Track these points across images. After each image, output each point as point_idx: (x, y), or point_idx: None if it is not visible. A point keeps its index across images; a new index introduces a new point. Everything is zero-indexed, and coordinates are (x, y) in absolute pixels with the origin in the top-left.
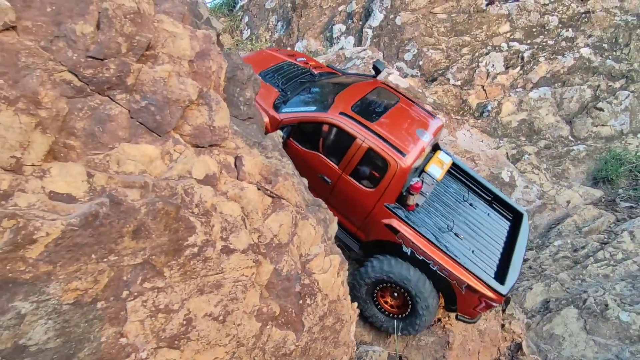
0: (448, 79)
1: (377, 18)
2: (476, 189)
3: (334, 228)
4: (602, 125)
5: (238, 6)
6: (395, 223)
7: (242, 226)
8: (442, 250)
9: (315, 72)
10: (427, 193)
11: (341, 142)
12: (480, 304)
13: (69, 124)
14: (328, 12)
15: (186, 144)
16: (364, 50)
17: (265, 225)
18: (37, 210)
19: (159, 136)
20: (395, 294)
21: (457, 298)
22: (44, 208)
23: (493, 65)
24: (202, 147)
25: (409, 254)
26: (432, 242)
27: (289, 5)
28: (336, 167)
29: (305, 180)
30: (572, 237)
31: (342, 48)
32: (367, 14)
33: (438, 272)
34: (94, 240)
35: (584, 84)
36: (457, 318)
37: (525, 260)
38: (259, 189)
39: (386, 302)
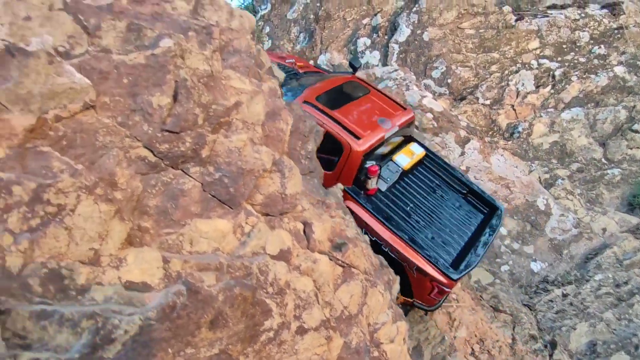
0: (477, 98)
1: (403, 33)
2: (451, 183)
3: (396, 288)
4: (638, 147)
5: (258, 15)
6: (351, 204)
7: (314, 302)
8: (392, 231)
9: (300, 72)
10: (390, 180)
11: None
12: (434, 290)
13: (142, 203)
14: (352, 25)
15: (258, 214)
16: (396, 70)
17: (335, 298)
18: (114, 304)
19: (231, 208)
20: None
21: (411, 284)
22: (120, 301)
23: (523, 84)
24: (273, 216)
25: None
26: (384, 223)
27: (312, 16)
28: None
29: (367, 238)
30: (613, 271)
31: (367, 63)
32: (393, 28)
33: (390, 253)
34: (171, 334)
35: (619, 104)
36: (414, 305)
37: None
38: (330, 259)
39: None
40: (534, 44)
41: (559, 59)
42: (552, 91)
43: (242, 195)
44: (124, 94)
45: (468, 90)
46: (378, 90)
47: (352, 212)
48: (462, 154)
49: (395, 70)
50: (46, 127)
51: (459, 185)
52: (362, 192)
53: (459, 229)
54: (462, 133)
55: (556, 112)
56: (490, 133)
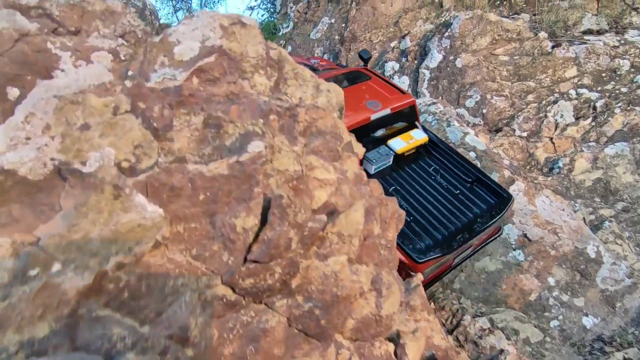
0: (513, 130)
1: (435, 59)
2: (454, 169)
3: None
4: None
5: (280, 33)
6: None
7: None
8: None
9: (320, 68)
10: (379, 163)
11: None
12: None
13: (216, 353)
14: (379, 47)
15: (349, 345)
16: (434, 103)
17: None
18: None
19: (319, 342)
20: None
21: None
22: None
23: (562, 116)
24: (364, 341)
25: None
26: None
27: (337, 37)
28: None
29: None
30: None
31: None
32: (424, 52)
33: None
34: None
35: None
36: None
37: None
38: None
39: None
40: (572, 72)
41: (599, 88)
42: (594, 124)
43: (335, 327)
44: (199, 215)
45: (504, 121)
46: (381, 78)
47: None
48: None
49: (434, 103)
50: (105, 281)
51: (464, 172)
52: None
53: (450, 216)
54: (507, 173)
55: (598, 146)
56: (528, 167)
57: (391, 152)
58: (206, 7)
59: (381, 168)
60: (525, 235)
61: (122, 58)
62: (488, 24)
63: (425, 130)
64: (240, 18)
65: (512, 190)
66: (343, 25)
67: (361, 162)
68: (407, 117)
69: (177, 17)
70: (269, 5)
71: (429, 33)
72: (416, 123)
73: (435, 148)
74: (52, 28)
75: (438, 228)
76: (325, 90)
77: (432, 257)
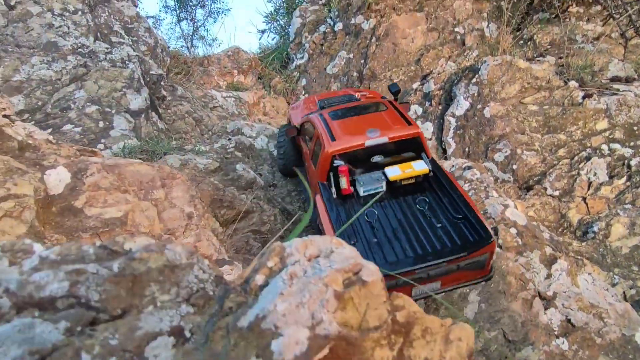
0: (545, 188)
1: (461, 106)
2: (445, 203)
3: None
4: None
5: (293, 65)
6: (317, 197)
7: None
8: (333, 227)
9: (362, 99)
10: (369, 186)
11: (312, 134)
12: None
13: None
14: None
15: None
16: (470, 168)
17: None
18: None
19: None
20: None
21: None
22: None
23: (595, 174)
24: None
25: (318, 225)
26: (330, 220)
27: (355, 74)
28: (308, 154)
29: None
30: None
31: None
32: (449, 98)
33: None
34: None
35: None
36: None
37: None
38: None
39: None
40: (603, 124)
41: (632, 143)
42: (629, 183)
43: None
44: None
45: (535, 179)
46: (397, 110)
47: (316, 205)
48: (549, 276)
49: (469, 167)
50: None
51: (453, 208)
52: (339, 191)
53: (425, 242)
54: (548, 250)
55: (635, 209)
56: (560, 230)
57: (382, 177)
58: (210, 17)
59: (371, 192)
60: (569, 321)
61: (187, 336)
62: (517, 71)
63: (433, 162)
64: (358, 270)
65: (554, 269)
66: (362, 61)
67: (352, 183)
68: (413, 149)
69: (180, 27)
70: (281, 31)
71: (453, 76)
72: (422, 155)
73: (434, 180)
74: (89, 320)
75: (408, 250)
76: (456, 340)
77: (400, 270)
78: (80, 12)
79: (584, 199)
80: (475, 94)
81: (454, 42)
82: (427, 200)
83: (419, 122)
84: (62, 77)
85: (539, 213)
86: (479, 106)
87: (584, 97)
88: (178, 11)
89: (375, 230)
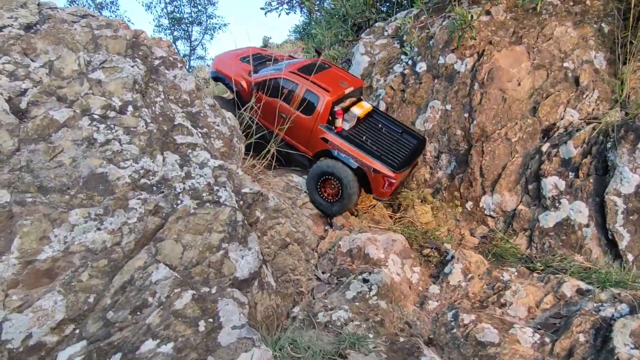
0: None
1: (628, 181)
2: (390, 125)
3: None
4: None
5: None
6: (326, 135)
7: None
8: (357, 150)
9: (280, 58)
10: (350, 123)
11: (290, 89)
12: (385, 183)
13: None
14: (520, 150)
15: None
16: None
17: None
18: None
19: None
20: (332, 185)
21: (370, 183)
22: None
23: None
24: None
25: (335, 155)
26: (350, 145)
27: (459, 132)
28: (288, 105)
29: None
30: None
31: (567, 221)
32: (603, 168)
33: (355, 163)
34: None
35: None
36: (374, 198)
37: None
38: None
39: (325, 192)
40: None
41: None
42: None
43: None
44: None
45: None
46: (336, 67)
47: (329, 140)
48: None
49: None
50: None
51: (395, 126)
52: (333, 128)
53: (398, 149)
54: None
55: None
56: None
57: (355, 115)
58: (206, 33)
59: (351, 125)
60: None
61: None
62: None
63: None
64: None
65: None
66: (466, 115)
67: (338, 117)
68: (360, 93)
69: (176, 47)
70: None
71: (600, 135)
72: (361, 97)
73: (376, 113)
74: None
75: (396, 156)
76: None
77: (401, 169)
78: (131, 107)
79: None
80: None
81: (565, 81)
82: (380, 124)
83: (564, 200)
84: (123, 240)
85: None
86: None
87: None
88: (172, 29)
89: (374, 148)
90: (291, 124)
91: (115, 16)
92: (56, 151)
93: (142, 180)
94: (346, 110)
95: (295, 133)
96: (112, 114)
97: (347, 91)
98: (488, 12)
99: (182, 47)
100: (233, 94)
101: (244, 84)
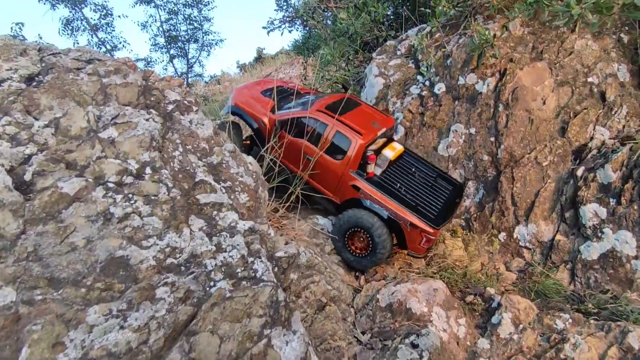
0: None
1: None
2: (424, 169)
3: None
4: None
5: None
6: (357, 182)
7: None
8: (390, 199)
9: (301, 90)
10: (382, 167)
11: (318, 130)
12: (423, 239)
13: None
14: (552, 174)
15: None
16: None
17: None
18: None
19: None
20: (361, 238)
21: (406, 238)
22: None
23: None
24: None
25: (367, 205)
26: (384, 195)
27: (486, 157)
28: (315, 147)
29: None
30: None
31: (613, 252)
32: None
33: (389, 216)
34: None
35: None
36: (408, 254)
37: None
38: None
39: (354, 245)
40: None
41: None
42: None
43: None
44: None
45: None
46: (367, 104)
47: (360, 188)
48: None
49: None
50: None
51: (428, 170)
52: (365, 174)
53: (434, 198)
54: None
55: None
56: None
57: (387, 158)
58: (203, 50)
59: (382, 169)
60: None
61: None
62: None
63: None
64: None
65: None
66: (492, 139)
67: (370, 162)
68: (391, 134)
69: (173, 65)
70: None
71: (639, 158)
72: (393, 138)
73: (408, 155)
74: None
75: (434, 205)
76: None
77: (443, 224)
78: (149, 169)
79: None
80: None
81: (591, 97)
82: (414, 168)
83: (607, 230)
84: (151, 338)
85: None
86: None
87: None
88: (169, 47)
89: (409, 196)
90: (317, 167)
91: (111, 38)
92: (67, 231)
93: (169, 260)
94: (377, 152)
95: (322, 177)
96: (128, 179)
97: (379, 132)
98: (505, 28)
99: (179, 65)
100: (253, 131)
101: (266, 121)
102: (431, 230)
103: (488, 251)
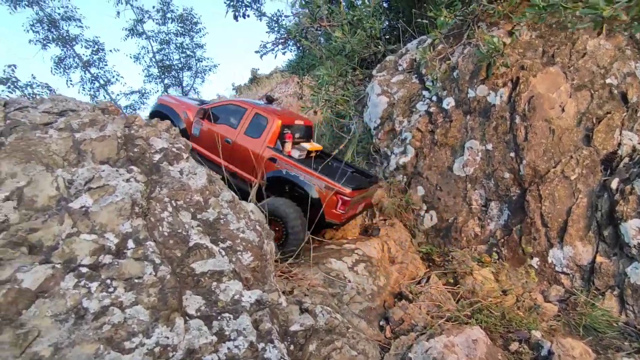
0: None
1: None
2: (340, 164)
3: None
4: None
5: (392, 165)
6: (274, 154)
7: None
8: (306, 168)
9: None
10: (301, 153)
11: (238, 114)
12: (339, 202)
13: None
14: (584, 189)
15: None
16: None
17: None
18: None
19: None
20: (276, 228)
21: (322, 205)
22: None
23: None
24: None
25: (284, 174)
26: (300, 164)
27: (507, 174)
28: (235, 129)
29: None
30: None
31: None
32: None
33: (305, 181)
34: None
35: None
36: (325, 224)
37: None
38: None
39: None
40: None
41: None
42: None
43: None
44: None
45: None
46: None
47: (277, 159)
48: None
49: None
50: None
51: (346, 166)
52: (283, 151)
53: (349, 179)
54: None
55: None
56: None
57: (305, 148)
58: (197, 77)
59: (301, 155)
60: None
61: None
62: None
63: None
64: None
65: None
66: (512, 154)
67: (287, 140)
68: (309, 134)
69: (167, 93)
70: (355, 118)
71: None
72: (311, 137)
73: (323, 153)
74: None
75: (347, 181)
76: None
77: (356, 189)
78: (132, 243)
79: None
80: None
81: (612, 100)
82: (326, 158)
83: None
84: None
85: None
86: None
87: None
88: (163, 76)
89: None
90: (235, 145)
91: (104, 72)
92: (29, 338)
93: None
94: (296, 144)
95: (240, 156)
96: (106, 259)
97: (296, 122)
98: (511, 33)
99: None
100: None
101: (190, 114)
102: (346, 191)
103: (521, 280)
